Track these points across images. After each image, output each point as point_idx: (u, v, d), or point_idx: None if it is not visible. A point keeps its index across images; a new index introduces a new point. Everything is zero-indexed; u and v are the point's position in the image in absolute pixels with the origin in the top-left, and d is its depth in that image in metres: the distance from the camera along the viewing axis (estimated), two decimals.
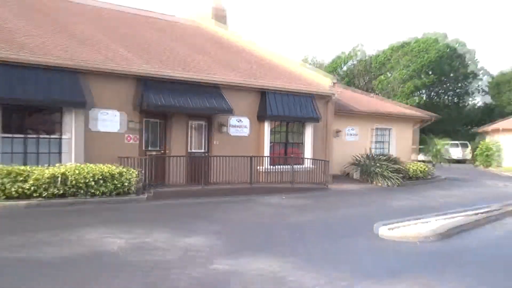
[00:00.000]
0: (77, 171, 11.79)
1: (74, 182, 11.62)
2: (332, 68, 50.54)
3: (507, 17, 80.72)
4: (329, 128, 19.62)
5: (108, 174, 12.22)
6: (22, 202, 10.89)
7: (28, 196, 11.07)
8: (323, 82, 19.77)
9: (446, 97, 52.66)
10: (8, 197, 10.88)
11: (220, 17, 24.19)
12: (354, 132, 22.51)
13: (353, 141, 22.27)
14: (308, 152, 18.53)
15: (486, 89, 51.73)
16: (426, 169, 22.09)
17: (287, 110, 17.69)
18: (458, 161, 37.93)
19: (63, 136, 13.19)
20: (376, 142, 23.56)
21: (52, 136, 13.09)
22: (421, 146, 26.99)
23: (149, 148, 15.08)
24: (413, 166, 21.55)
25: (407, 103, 37.80)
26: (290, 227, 10.14)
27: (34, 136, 12.81)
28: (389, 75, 47.94)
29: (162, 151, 15.36)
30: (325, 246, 8.36)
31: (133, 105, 14.40)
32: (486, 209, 11.98)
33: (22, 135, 12.61)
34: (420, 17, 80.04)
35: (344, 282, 6.01)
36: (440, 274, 6.64)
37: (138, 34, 18.87)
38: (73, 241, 7.89)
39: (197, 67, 16.66)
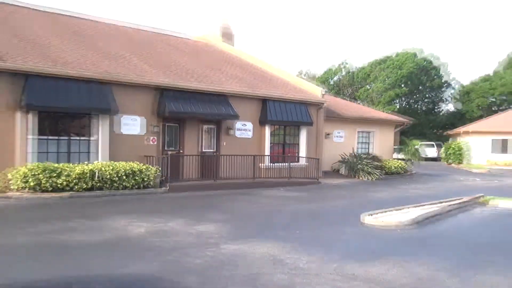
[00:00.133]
0: (110, 167, 11.93)
1: (108, 176, 11.75)
2: (323, 80, 51.44)
3: (476, 33, 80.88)
4: (320, 131, 19.71)
5: (135, 170, 12.37)
6: (55, 195, 10.99)
7: (61, 190, 11.18)
8: (316, 92, 19.88)
9: (421, 103, 53.03)
10: (44, 191, 11.00)
11: (226, 35, 24.22)
12: (342, 134, 22.58)
13: (341, 142, 22.33)
14: (302, 152, 18.59)
15: (458, 96, 51.79)
16: (404, 165, 22.39)
17: (285, 116, 17.78)
18: (433, 159, 37.94)
19: (91, 138, 13.28)
20: (361, 143, 23.60)
21: (81, 138, 13.18)
22: (400, 146, 27.13)
23: (166, 148, 15.15)
24: (393, 163, 21.81)
25: (387, 110, 38.13)
26: (287, 216, 10.20)
27: (66, 138, 12.90)
28: (370, 86, 49.24)
29: (177, 151, 15.43)
30: (317, 232, 8.39)
31: (152, 111, 14.50)
32: (457, 201, 11.98)
33: (55, 137, 12.70)
34: (401, 34, 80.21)
35: (335, 263, 6.06)
36: (414, 255, 6.69)
37: (156, 50, 18.93)
38: (103, 228, 7.97)
39: (207, 79, 16.73)
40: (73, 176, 11.30)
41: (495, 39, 79.70)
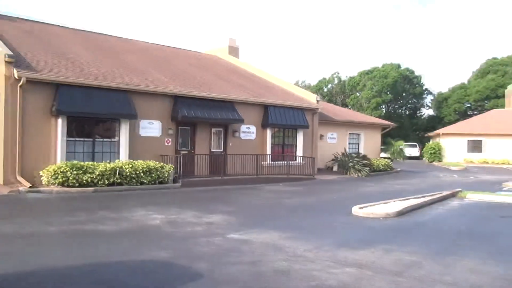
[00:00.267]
0: (130, 165, 11.86)
1: (128, 173, 11.67)
2: (318, 88, 51.88)
3: (452, 46, 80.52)
4: (315, 133, 19.60)
5: (152, 167, 12.27)
6: (81, 190, 10.92)
7: (86, 185, 11.09)
8: (311, 99, 19.82)
9: (405, 108, 53.00)
10: (70, 186, 10.92)
11: (232, 49, 24.21)
12: (334, 136, 22.45)
13: (334, 143, 22.21)
14: (299, 151, 18.47)
15: (434, 103, 51.74)
16: (389, 163, 22.21)
17: (284, 120, 17.67)
18: (416, 158, 37.69)
19: (113, 139, 13.22)
20: (351, 143, 23.46)
21: (105, 140, 13.12)
22: (384, 146, 27.02)
23: (179, 149, 15.06)
24: (379, 161, 21.65)
25: (374, 114, 38.10)
26: (286, 208, 10.07)
27: (91, 139, 12.84)
28: (359, 94, 49.14)
29: (190, 151, 15.35)
30: (312, 221, 8.27)
31: (168, 116, 14.42)
32: (438, 195, 11.80)
33: (81, 139, 12.64)
34: (383, 49, 79.98)
35: (329, 251, 5.94)
36: (400, 243, 6.55)
37: (172, 63, 18.89)
38: (122, 219, 7.87)
39: (216, 88, 16.66)
40: (97, 173, 11.21)
41: (468, 51, 79.35)
